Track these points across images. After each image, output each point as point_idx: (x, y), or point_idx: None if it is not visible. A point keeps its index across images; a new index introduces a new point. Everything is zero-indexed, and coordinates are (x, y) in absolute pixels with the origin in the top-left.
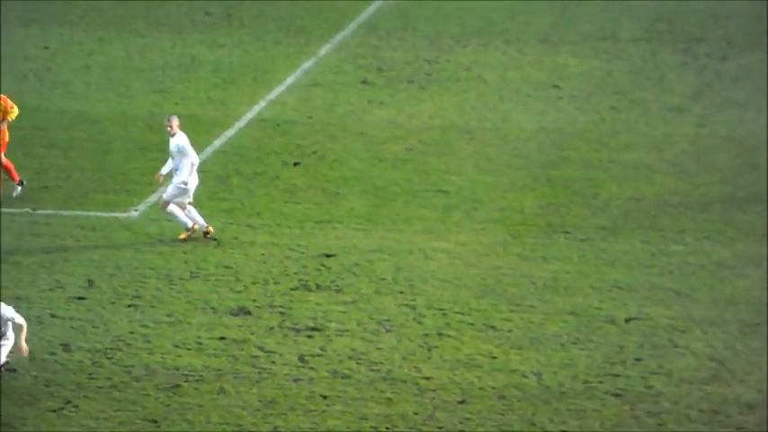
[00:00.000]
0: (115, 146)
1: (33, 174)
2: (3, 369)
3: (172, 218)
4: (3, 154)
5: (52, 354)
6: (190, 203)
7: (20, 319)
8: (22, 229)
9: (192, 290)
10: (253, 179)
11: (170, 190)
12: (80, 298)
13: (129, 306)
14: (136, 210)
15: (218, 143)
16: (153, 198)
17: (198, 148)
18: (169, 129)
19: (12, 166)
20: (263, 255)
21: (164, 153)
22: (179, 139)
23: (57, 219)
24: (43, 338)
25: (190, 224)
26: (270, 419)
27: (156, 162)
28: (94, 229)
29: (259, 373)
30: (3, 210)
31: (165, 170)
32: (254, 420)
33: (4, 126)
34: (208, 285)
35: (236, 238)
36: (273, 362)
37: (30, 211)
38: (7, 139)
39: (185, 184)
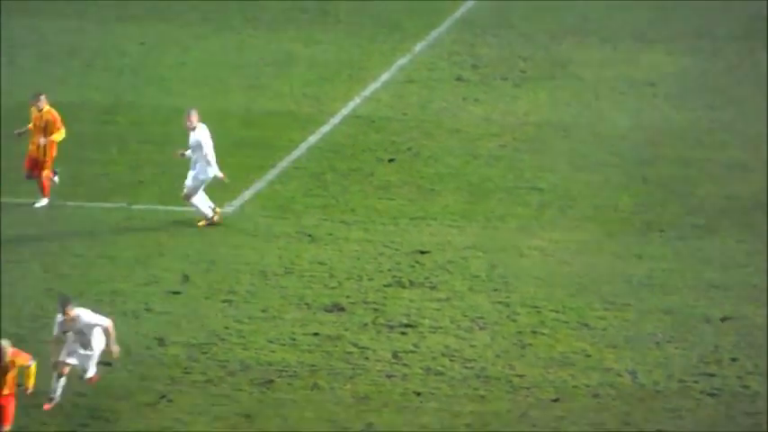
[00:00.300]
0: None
1: (129, 169)
2: (93, 378)
3: (195, 208)
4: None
5: (147, 348)
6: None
7: (105, 321)
8: (118, 224)
9: (286, 285)
10: (347, 176)
11: (190, 183)
12: (175, 293)
13: (224, 301)
14: (230, 205)
15: (312, 139)
16: (248, 194)
17: (292, 144)
18: (189, 123)
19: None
20: (356, 251)
21: (259, 149)
22: (198, 134)
23: (152, 214)
24: (138, 332)
25: (210, 215)
26: (363, 416)
27: (251, 158)
28: (190, 225)
29: (353, 369)
30: (100, 204)
31: (188, 153)
32: (348, 416)
33: (52, 139)
34: (302, 281)
35: (331, 235)
36: (367, 358)
37: (125, 205)
38: (54, 154)
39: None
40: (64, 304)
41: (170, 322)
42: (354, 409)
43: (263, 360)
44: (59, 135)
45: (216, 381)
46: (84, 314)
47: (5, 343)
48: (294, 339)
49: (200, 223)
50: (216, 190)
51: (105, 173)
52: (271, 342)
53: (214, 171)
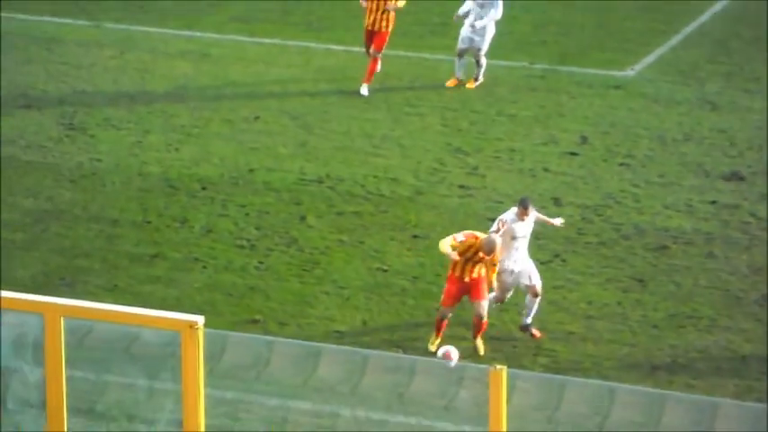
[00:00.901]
0: (616, 4)
1: (531, 27)
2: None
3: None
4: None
5: (543, 207)
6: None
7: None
8: (518, 83)
9: (685, 152)
10: (752, 43)
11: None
12: (573, 153)
13: (621, 165)
14: (632, 69)
15: (718, 6)
16: (650, 58)
17: (697, 9)
18: None
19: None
20: (758, 120)
21: (663, 14)
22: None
23: (553, 74)
24: (534, 191)
25: (459, 74)
26: (758, 286)
27: (654, 23)
28: (590, 86)
29: (749, 239)
30: (502, 62)
31: (461, 11)
32: (743, 286)
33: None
34: (701, 148)
35: (733, 103)
36: (764, 229)
37: (527, 65)
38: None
39: (475, 28)
40: (525, 205)
41: (566, 183)
42: (749, 279)
43: (659, 225)
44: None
45: (610, 243)
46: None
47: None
48: (690, 206)
49: (449, 83)
50: (618, 53)
51: (509, 31)
52: (667, 208)
53: (479, 23)
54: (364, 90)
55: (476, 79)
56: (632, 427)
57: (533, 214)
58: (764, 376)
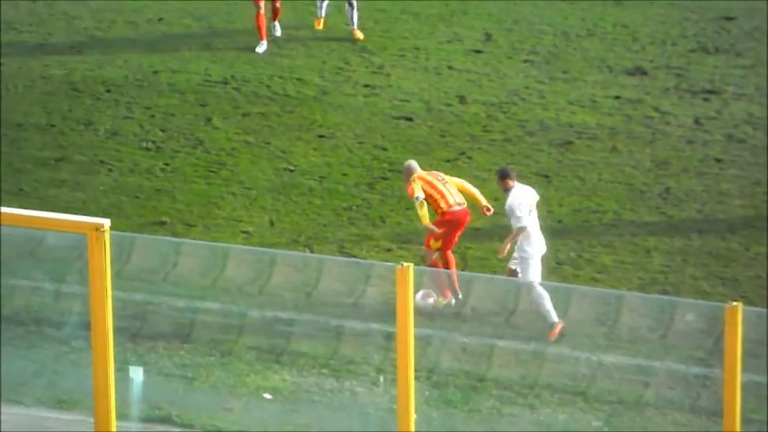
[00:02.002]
0: None
1: None
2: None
3: None
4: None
5: (448, 105)
6: None
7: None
8: None
9: (588, 47)
10: None
11: None
12: (477, 51)
13: (525, 61)
14: None
15: None
16: None
17: None
18: None
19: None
20: (661, 15)
21: None
22: None
23: None
24: (440, 89)
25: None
26: (661, 180)
27: None
28: None
29: (653, 133)
30: None
31: None
32: (646, 180)
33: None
34: (604, 44)
35: None
36: (668, 123)
37: None
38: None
39: None
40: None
41: (471, 80)
42: (653, 173)
43: (563, 121)
44: None
45: (515, 140)
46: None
47: None
48: (594, 101)
49: None
50: None
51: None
52: (571, 103)
53: None
54: (277, 31)
55: (350, 24)
56: (538, 322)
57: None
58: (668, 269)
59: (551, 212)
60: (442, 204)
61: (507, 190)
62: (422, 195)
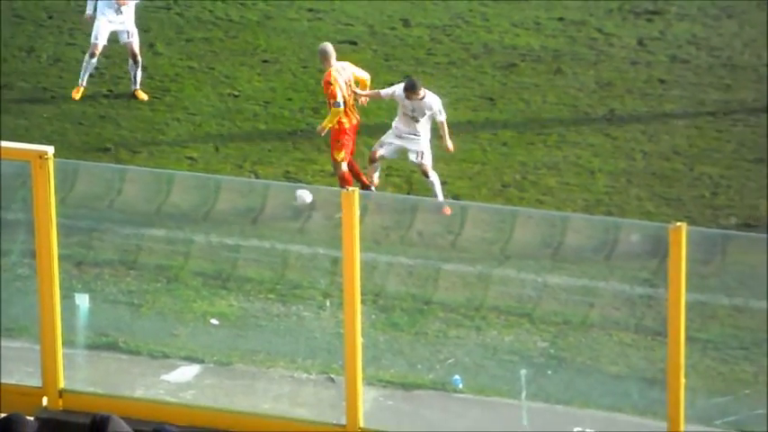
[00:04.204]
0: None
1: None
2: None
3: None
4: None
5: (392, 28)
6: None
7: (443, 114)
8: None
9: None
10: None
11: None
12: None
13: None
14: None
15: None
16: None
17: None
18: None
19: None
20: None
21: None
22: None
23: None
24: (384, 13)
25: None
26: (606, 101)
27: None
28: None
29: (596, 55)
30: None
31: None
32: (590, 102)
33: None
34: None
35: None
36: (611, 44)
37: None
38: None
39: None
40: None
41: (414, 4)
42: (597, 95)
43: (507, 43)
44: None
45: (459, 63)
46: (431, 97)
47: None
48: (538, 23)
49: None
50: None
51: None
52: (515, 26)
53: None
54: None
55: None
56: (484, 245)
57: (431, 103)
58: (613, 190)
59: (496, 135)
60: (345, 117)
61: (422, 98)
62: (342, 103)
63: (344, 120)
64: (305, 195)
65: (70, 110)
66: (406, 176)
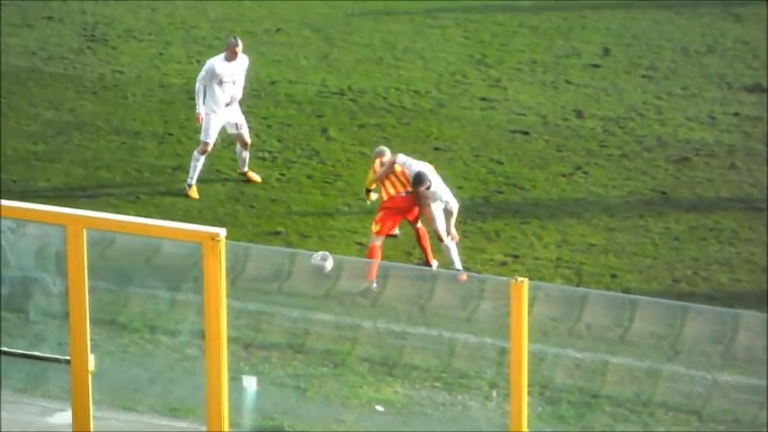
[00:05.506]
0: None
1: None
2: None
3: None
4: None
5: (565, 119)
6: None
7: (454, 204)
8: None
9: (707, 63)
10: None
11: None
12: (595, 65)
13: (644, 77)
14: None
15: None
16: None
17: None
18: None
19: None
20: None
21: None
22: None
23: None
24: (557, 104)
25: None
26: None
27: None
28: None
29: None
30: None
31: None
32: (764, 198)
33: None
34: (724, 60)
35: (756, 14)
36: None
37: None
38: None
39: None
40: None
41: (588, 95)
42: None
43: (681, 137)
44: None
45: (632, 155)
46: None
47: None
48: (713, 118)
49: None
50: None
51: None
52: (689, 120)
53: None
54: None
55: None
56: (653, 340)
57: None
58: None
59: (668, 229)
60: (383, 194)
61: (428, 188)
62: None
63: (392, 191)
64: (326, 262)
65: (243, 192)
66: (575, 268)
